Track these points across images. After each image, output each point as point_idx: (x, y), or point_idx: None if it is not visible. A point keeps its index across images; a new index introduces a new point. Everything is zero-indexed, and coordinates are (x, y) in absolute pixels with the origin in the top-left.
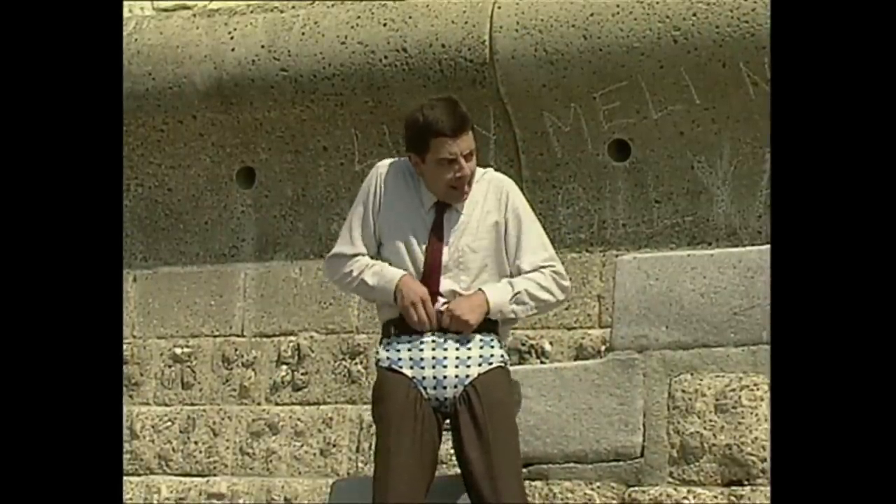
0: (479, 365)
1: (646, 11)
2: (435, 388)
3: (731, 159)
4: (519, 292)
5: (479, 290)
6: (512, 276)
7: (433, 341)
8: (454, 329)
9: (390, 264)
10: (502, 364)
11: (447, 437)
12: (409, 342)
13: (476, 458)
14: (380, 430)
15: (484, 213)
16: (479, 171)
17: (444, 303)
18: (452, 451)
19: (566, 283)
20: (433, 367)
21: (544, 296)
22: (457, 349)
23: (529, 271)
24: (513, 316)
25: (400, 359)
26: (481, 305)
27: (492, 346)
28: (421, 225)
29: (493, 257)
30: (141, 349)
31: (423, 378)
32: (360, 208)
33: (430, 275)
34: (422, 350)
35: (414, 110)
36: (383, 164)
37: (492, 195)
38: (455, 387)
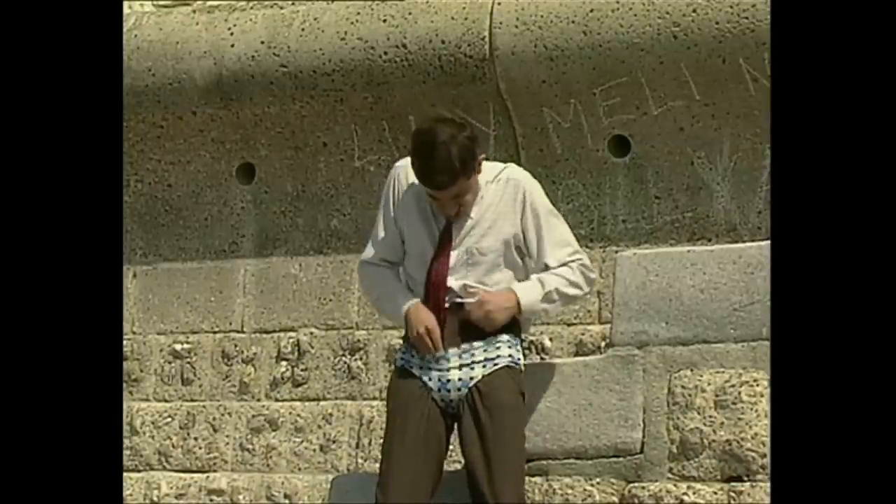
0: (484, 366)
1: (645, 7)
2: (440, 390)
3: (730, 155)
4: (549, 291)
5: (511, 289)
6: (536, 270)
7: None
8: (481, 324)
9: (404, 266)
10: (510, 364)
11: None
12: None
13: (476, 460)
14: (387, 427)
15: (496, 214)
16: (498, 166)
17: (457, 297)
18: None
19: (593, 274)
20: (438, 370)
21: (573, 291)
22: (460, 353)
23: (556, 267)
24: (543, 315)
25: (412, 360)
26: (511, 306)
27: (497, 348)
28: (432, 225)
29: (505, 256)
30: (141, 345)
31: (429, 380)
32: (384, 210)
33: (440, 278)
34: (428, 358)
35: (420, 130)
36: (401, 164)
37: (508, 197)
38: (459, 390)
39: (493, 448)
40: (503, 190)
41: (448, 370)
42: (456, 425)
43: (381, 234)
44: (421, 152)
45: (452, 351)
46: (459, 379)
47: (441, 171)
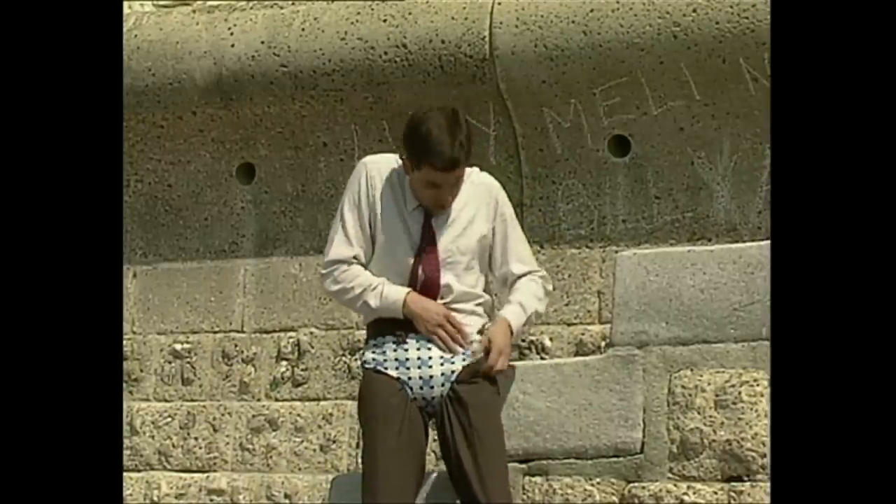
0: (463, 359)
1: (646, 7)
2: (422, 388)
3: (731, 155)
4: (530, 316)
5: (503, 318)
6: (497, 278)
7: (417, 341)
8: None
9: (372, 266)
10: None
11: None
12: (395, 343)
13: (465, 458)
14: (366, 431)
15: (473, 213)
16: (467, 170)
17: (442, 299)
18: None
19: (550, 286)
20: (419, 367)
21: (543, 308)
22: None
23: (520, 276)
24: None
25: (385, 360)
26: (508, 334)
27: (478, 341)
28: (409, 224)
29: (477, 259)
30: (141, 345)
31: (409, 378)
32: (354, 208)
33: (430, 276)
34: (407, 350)
35: (421, 117)
36: (371, 161)
37: (481, 199)
38: (442, 385)
39: (482, 447)
40: (475, 190)
41: (430, 367)
42: (436, 424)
43: (355, 229)
44: (433, 132)
45: (436, 350)
46: (442, 374)
47: (458, 148)
